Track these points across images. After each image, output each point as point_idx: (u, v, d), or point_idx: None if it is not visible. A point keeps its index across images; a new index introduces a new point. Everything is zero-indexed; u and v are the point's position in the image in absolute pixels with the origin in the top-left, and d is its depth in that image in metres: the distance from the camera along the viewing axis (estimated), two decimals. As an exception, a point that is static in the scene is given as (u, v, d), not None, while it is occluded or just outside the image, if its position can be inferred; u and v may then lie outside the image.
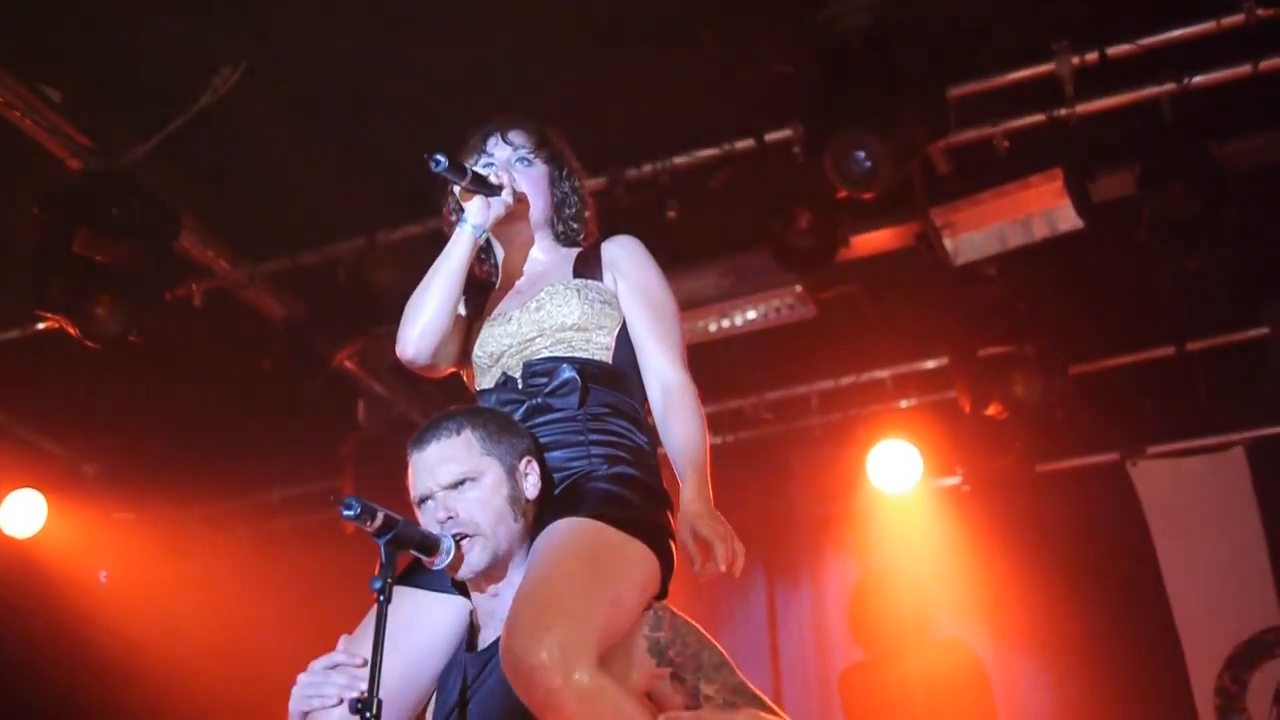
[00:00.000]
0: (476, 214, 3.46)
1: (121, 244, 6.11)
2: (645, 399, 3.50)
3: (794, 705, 8.06)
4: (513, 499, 3.22)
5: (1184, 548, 7.64)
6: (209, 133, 5.98)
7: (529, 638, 2.85)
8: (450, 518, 3.16)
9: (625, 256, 3.60)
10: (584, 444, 3.35)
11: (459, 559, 3.15)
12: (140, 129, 6.01)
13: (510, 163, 3.62)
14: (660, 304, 3.55)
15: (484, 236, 3.53)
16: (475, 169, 3.47)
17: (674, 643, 3.16)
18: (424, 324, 3.43)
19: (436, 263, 3.48)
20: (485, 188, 3.46)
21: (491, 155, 3.62)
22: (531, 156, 3.66)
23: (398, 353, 3.47)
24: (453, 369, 3.64)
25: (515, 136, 3.67)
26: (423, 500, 3.24)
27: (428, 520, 3.22)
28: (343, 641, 3.21)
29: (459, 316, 3.54)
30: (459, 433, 3.23)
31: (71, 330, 6.16)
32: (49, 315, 6.28)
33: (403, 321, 3.47)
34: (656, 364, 3.46)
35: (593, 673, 2.85)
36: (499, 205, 3.48)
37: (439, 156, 3.32)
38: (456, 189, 3.52)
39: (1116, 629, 7.58)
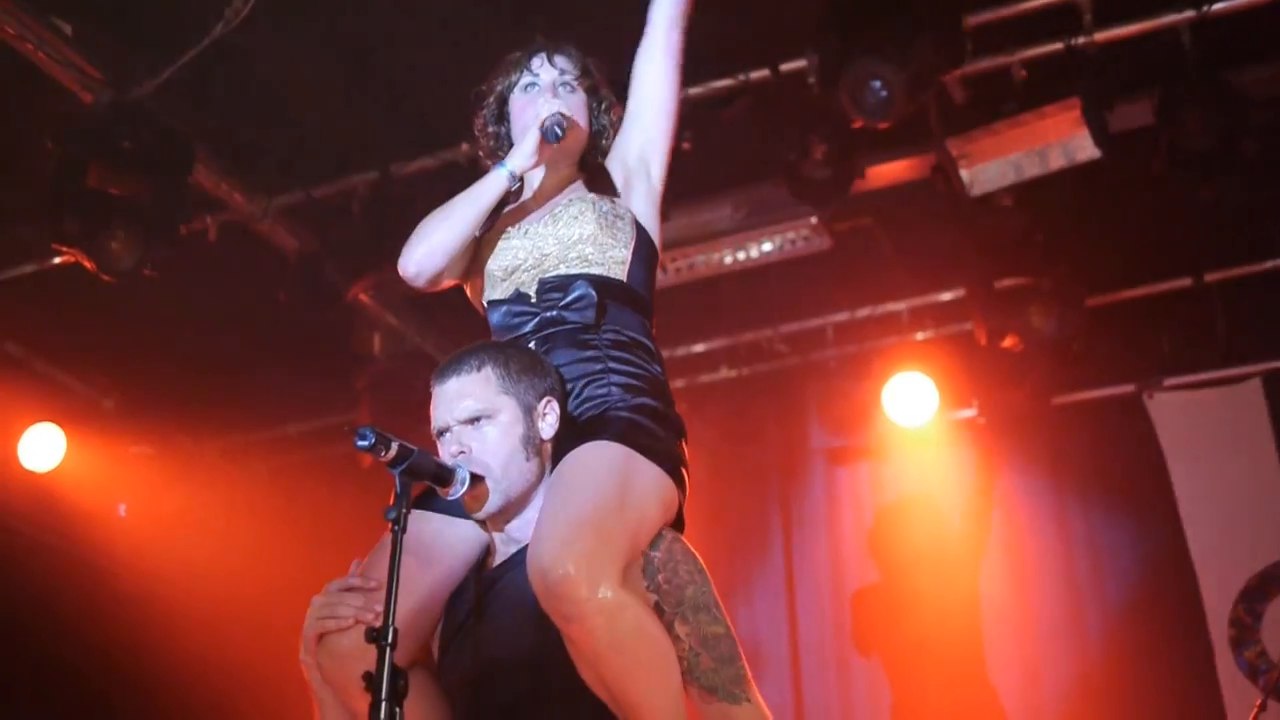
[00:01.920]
0: (520, 164, 3.49)
1: (135, 177, 6.10)
2: (652, 320, 3.54)
3: (809, 635, 8.15)
4: (526, 439, 3.24)
5: (1200, 480, 7.63)
6: (222, 65, 5.95)
7: (557, 550, 2.89)
8: (462, 453, 3.18)
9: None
10: (604, 373, 3.37)
11: (473, 495, 3.16)
12: (153, 62, 5.98)
13: (555, 85, 3.63)
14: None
15: (516, 185, 3.55)
16: (556, 128, 3.48)
17: (665, 566, 3.16)
18: (431, 247, 3.45)
19: (465, 194, 3.49)
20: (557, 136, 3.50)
21: (536, 75, 3.64)
22: (575, 83, 3.68)
23: (399, 267, 3.49)
24: (450, 284, 3.64)
25: (561, 60, 3.68)
26: (440, 433, 3.26)
27: (445, 453, 3.23)
28: (355, 565, 3.24)
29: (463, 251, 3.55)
30: (479, 369, 3.24)
31: (87, 264, 6.17)
32: (64, 249, 6.28)
33: (412, 239, 3.48)
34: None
35: (617, 588, 2.89)
36: (545, 158, 3.51)
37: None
38: (529, 123, 3.52)
39: (1131, 561, 7.61)
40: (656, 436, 3.26)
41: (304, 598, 3.25)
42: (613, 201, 3.57)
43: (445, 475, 3.08)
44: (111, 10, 5.86)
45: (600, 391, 3.34)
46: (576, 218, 3.47)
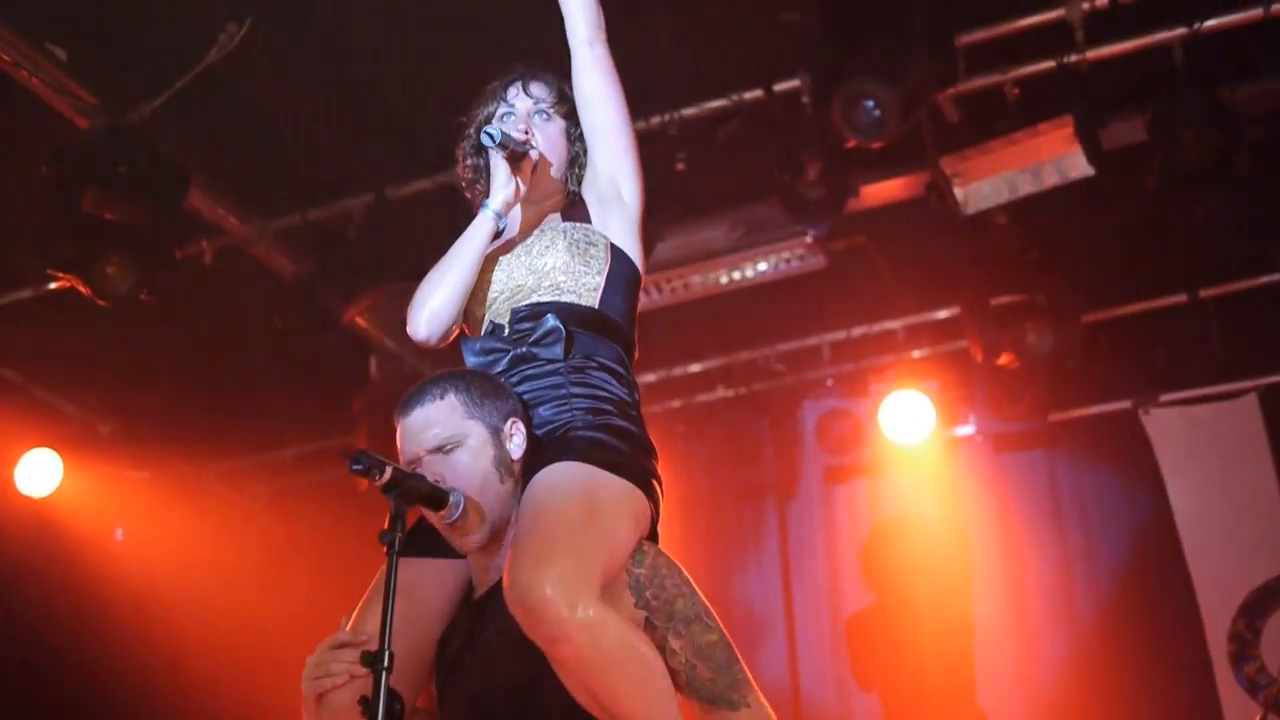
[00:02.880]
0: (502, 200, 3.48)
1: (131, 202, 6.11)
2: (630, 346, 3.54)
3: (809, 655, 8.14)
4: (498, 460, 3.23)
5: (1197, 495, 7.63)
6: (217, 90, 5.97)
7: (532, 574, 2.88)
8: (436, 483, 3.16)
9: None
10: (566, 398, 3.36)
11: (458, 532, 3.16)
12: (148, 87, 6.00)
13: (530, 114, 3.62)
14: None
15: (504, 225, 3.54)
16: (511, 133, 3.48)
17: (651, 583, 3.15)
18: (436, 306, 3.44)
19: (456, 245, 3.49)
20: (516, 155, 3.48)
21: (512, 105, 3.64)
22: (550, 111, 3.66)
23: (409, 333, 3.48)
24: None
25: (536, 89, 3.67)
26: (410, 465, 3.24)
27: None
28: (344, 621, 3.24)
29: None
30: (442, 397, 3.25)
31: (83, 289, 6.18)
32: (60, 275, 6.29)
33: (416, 302, 3.47)
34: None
35: (596, 604, 2.89)
36: (522, 186, 3.51)
37: (493, 132, 3.39)
38: (496, 157, 3.51)
39: (1129, 577, 7.60)
40: (620, 451, 3.25)
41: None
42: (585, 229, 3.55)
43: (439, 498, 3.08)
44: (106, 36, 5.87)
45: (563, 415, 3.33)
46: (548, 247, 3.47)
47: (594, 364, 3.41)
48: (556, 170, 3.66)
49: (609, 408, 3.36)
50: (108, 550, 8.63)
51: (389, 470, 2.90)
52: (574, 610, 2.84)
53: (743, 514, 8.63)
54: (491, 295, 3.50)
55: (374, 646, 2.87)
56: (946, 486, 8.23)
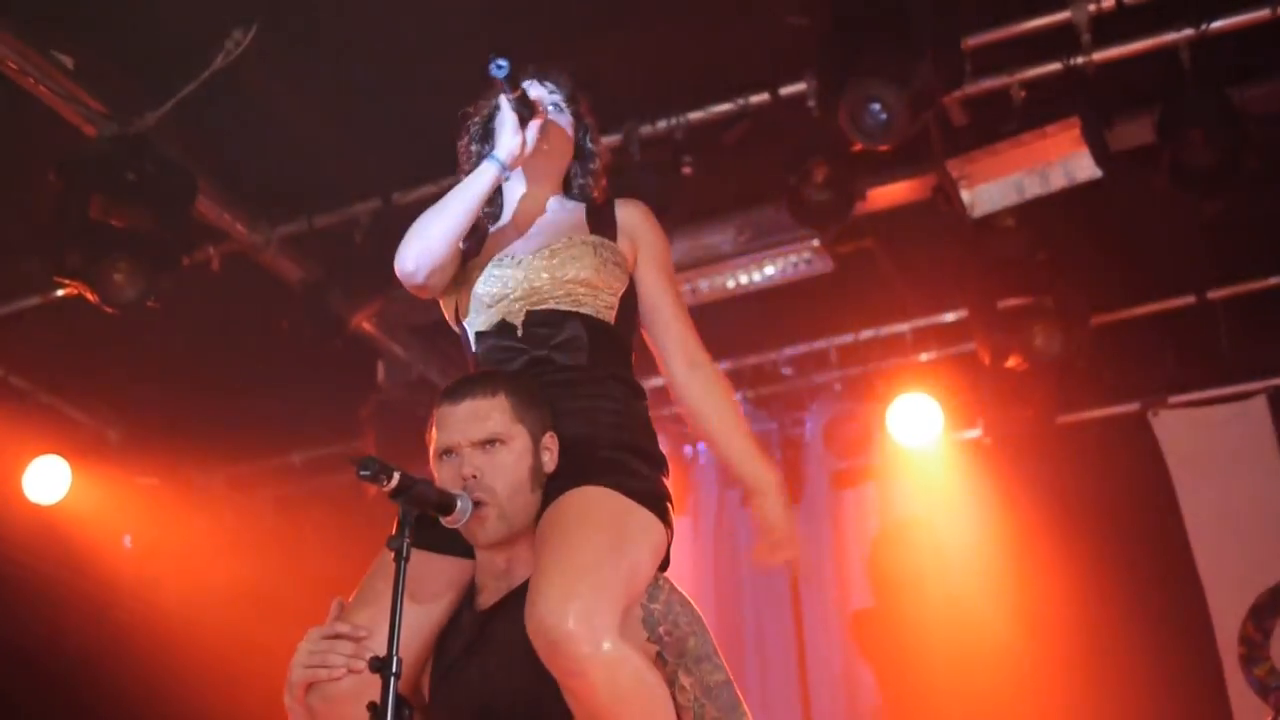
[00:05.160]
0: (508, 152, 3.46)
1: (138, 209, 6.12)
2: (630, 363, 3.53)
3: (816, 657, 8.13)
4: (534, 470, 3.22)
5: (1207, 497, 7.61)
6: (223, 96, 5.97)
7: (558, 606, 2.88)
8: (474, 476, 3.16)
9: (645, 226, 3.64)
10: (590, 410, 3.36)
11: (476, 523, 3.15)
12: (154, 94, 6.00)
13: (543, 103, 3.62)
14: (674, 281, 3.65)
15: (508, 176, 3.53)
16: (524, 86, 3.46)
17: (665, 619, 3.17)
18: (429, 243, 3.40)
19: (456, 189, 3.47)
20: (529, 108, 3.46)
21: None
22: (563, 104, 3.67)
23: (395, 266, 3.43)
24: (437, 296, 3.62)
25: (551, 83, 3.68)
26: (446, 452, 3.23)
27: (446, 473, 3.21)
28: (336, 604, 3.23)
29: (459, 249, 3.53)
30: (494, 394, 3.22)
31: (90, 296, 6.18)
32: (67, 282, 6.29)
33: (407, 236, 3.44)
34: (687, 344, 3.56)
35: (617, 641, 2.90)
36: (530, 145, 3.48)
37: (501, 61, 3.30)
38: (506, 104, 3.48)
39: (1139, 579, 7.57)
40: (643, 477, 3.26)
41: (310, 625, 3.23)
42: (613, 248, 3.53)
43: (448, 504, 3.07)
44: (113, 43, 5.88)
45: (586, 429, 3.32)
46: (576, 258, 3.44)
47: (612, 376, 3.42)
48: (562, 161, 3.67)
49: (628, 422, 3.38)
50: (116, 557, 8.64)
51: (396, 476, 2.89)
52: (596, 647, 2.85)
53: (748, 516, 8.61)
54: (506, 290, 3.46)
55: (370, 640, 2.91)
56: (955, 490, 8.21)
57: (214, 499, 9.19)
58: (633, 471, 3.24)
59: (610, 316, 3.46)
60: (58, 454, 8.34)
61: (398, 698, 2.74)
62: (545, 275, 3.44)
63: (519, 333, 3.42)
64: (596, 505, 3.13)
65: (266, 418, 8.61)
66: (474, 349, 3.52)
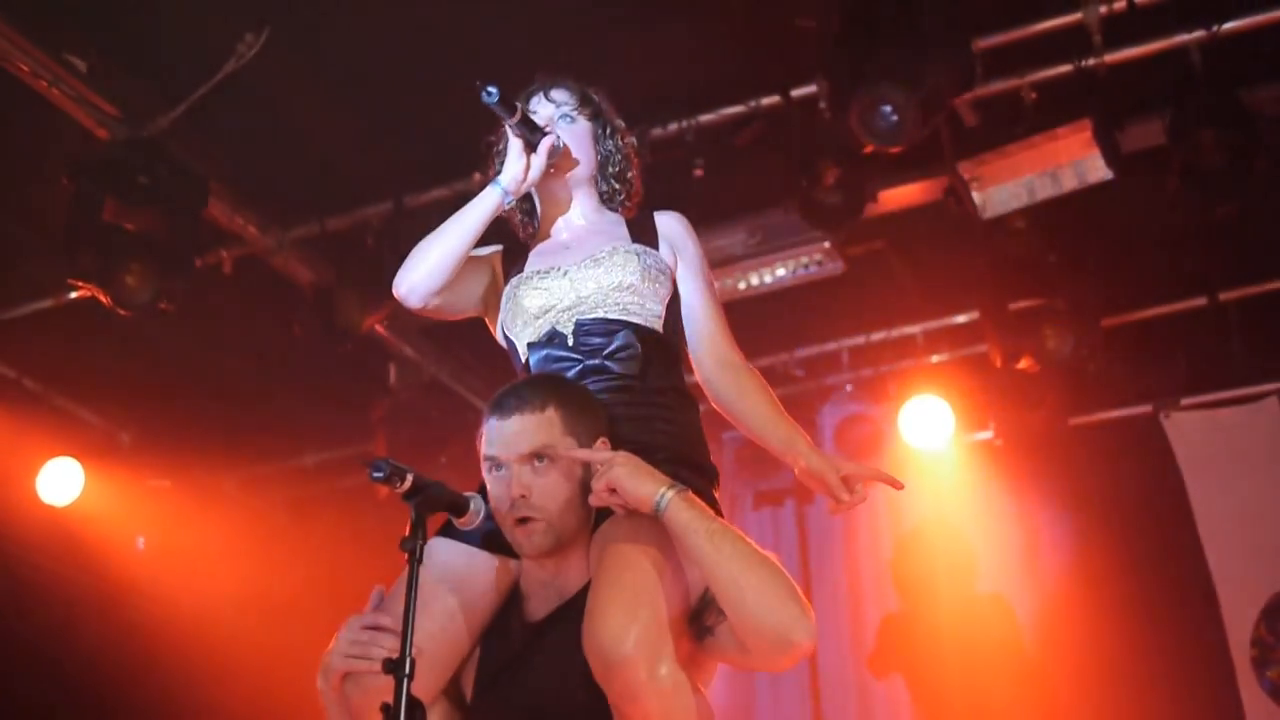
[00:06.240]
0: (511, 178, 3.46)
1: (151, 212, 6.14)
2: (682, 373, 3.54)
3: (828, 659, 8.13)
4: (585, 483, 3.20)
5: (1218, 499, 7.60)
6: (235, 100, 5.98)
7: (619, 630, 2.90)
8: (523, 496, 3.15)
9: (685, 236, 3.68)
10: (647, 419, 3.37)
11: (523, 534, 3.15)
12: (167, 97, 6.03)
13: (553, 120, 3.61)
14: (713, 287, 3.68)
15: (511, 202, 3.53)
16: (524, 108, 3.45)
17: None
18: (424, 270, 3.42)
19: (458, 214, 3.48)
20: (531, 129, 3.45)
21: (535, 113, 3.59)
22: (574, 114, 3.67)
23: (394, 286, 3.46)
24: (454, 317, 3.65)
25: (558, 94, 3.67)
26: (496, 467, 3.22)
27: (498, 489, 3.20)
28: (376, 592, 3.21)
29: (482, 270, 3.57)
30: (543, 409, 3.19)
31: (103, 299, 6.20)
32: (81, 284, 6.31)
33: (408, 260, 3.45)
34: (725, 350, 3.60)
35: (673, 667, 2.93)
36: (536, 169, 3.47)
37: (491, 89, 3.29)
38: (509, 131, 3.48)
39: (1151, 581, 7.56)
40: (698, 491, 3.22)
41: (322, 628, 3.23)
42: (657, 257, 3.55)
43: (461, 505, 3.07)
44: (125, 47, 5.89)
45: (643, 438, 3.31)
46: (621, 266, 3.45)
47: (667, 387, 3.44)
48: (585, 170, 3.66)
49: (685, 434, 3.40)
50: (129, 559, 8.66)
51: (409, 477, 2.89)
52: (653, 674, 2.88)
53: (761, 520, 8.62)
54: (553, 301, 3.47)
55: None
56: (966, 492, 8.21)
57: (226, 501, 9.21)
58: (686, 485, 3.20)
59: (659, 325, 3.49)
60: (71, 456, 8.37)
61: (411, 699, 2.74)
62: (592, 284, 3.45)
63: (570, 341, 3.43)
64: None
65: (278, 420, 8.63)
66: (523, 358, 3.53)
